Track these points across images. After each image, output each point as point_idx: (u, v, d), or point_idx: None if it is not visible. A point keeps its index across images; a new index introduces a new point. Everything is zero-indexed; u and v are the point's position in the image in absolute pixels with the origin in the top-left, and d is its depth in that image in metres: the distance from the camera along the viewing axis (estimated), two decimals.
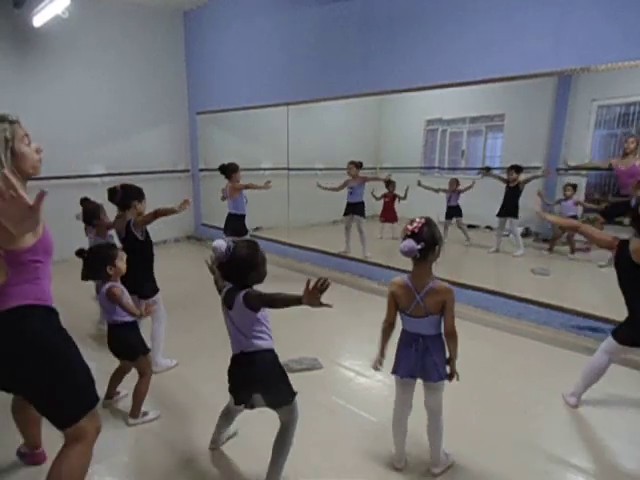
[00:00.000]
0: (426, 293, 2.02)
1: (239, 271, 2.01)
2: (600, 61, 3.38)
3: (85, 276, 2.72)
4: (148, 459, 2.36)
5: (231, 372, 2.11)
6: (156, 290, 3.26)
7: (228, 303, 2.03)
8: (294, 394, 2.07)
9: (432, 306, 2.03)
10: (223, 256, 1.99)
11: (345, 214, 6.02)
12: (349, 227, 5.99)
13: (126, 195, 3.16)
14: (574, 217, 5.51)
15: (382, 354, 2.20)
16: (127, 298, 2.58)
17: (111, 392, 2.82)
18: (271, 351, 2.07)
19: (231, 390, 2.14)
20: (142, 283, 3.12)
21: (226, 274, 2.05)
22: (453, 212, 6.30)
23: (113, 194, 3.16)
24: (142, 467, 2.31)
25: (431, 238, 1.98)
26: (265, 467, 2.07)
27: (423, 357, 2.08)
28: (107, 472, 2.28)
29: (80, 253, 2.52)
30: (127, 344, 2.61)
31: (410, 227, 1.98)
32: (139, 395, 2.63)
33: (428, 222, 2.00)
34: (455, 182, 6.33)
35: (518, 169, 5.68)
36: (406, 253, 1.96)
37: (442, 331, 2.11)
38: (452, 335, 2.06)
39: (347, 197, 5.99)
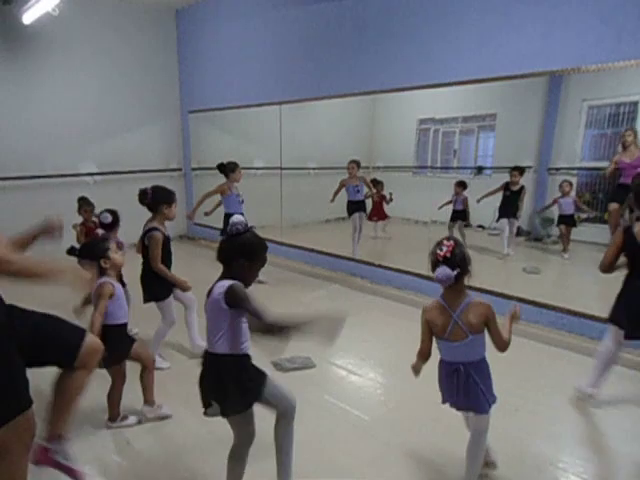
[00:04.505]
0: (462, 310, 1.90)
1: (238, 250, 1.82)
2: (591, 61, 3.41)
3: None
4: (142, 463, 2.35)
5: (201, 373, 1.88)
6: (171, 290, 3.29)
7: (209, 291, 1.85)
8: (247, 406, 1.82)
9: (472, 324, 1.90)
10: (239, 226, 1.83)
11: (351, 213, 5.93)
12: (357, 226, 5.87)
13: (155, 198, 3.13)
14: (572, 216, 5.46)
15: (417, 372, 2.03)
16: (119, 300, 2.46)
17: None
18: (235, 357, 1.80)
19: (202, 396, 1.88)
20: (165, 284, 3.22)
21: (225, 252, 1.85)
22: (458, 216, 6.25)
23: (143, 196, 3.14)
24: (136, 470, 2.30)
25: (464, 260, 1.88)
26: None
27: (466, 388, 1.92)
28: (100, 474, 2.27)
29: (72, 251, 2.45)
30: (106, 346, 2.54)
31: (441, 253, 1.85)
32: (112, 400, 2.58)
33: (457, 243, 1.88)
34: (459, 185, 6.24)
35: (522, 170, 5.60)
36: (443, 281, 1.86)
37: (484, 355, 1.98)
38: (506, 348, 1.95)
39: (351, 196, 5.91)
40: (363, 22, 4.84)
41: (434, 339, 2.00)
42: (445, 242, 1.87)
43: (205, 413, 1.84)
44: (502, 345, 1.95)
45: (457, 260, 1.84)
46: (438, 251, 1.87)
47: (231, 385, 1.77)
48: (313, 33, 5.37)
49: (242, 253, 1.83)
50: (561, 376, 3.11)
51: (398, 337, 3.76)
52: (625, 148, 4.66)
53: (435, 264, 1.88)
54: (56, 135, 6.18)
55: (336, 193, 6.01)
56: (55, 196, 5.83)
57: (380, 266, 5.07)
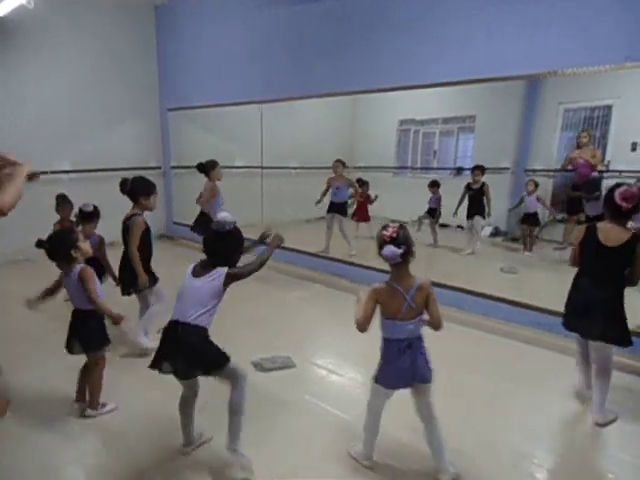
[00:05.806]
0: (415, 292, 2.07)
1: (229, 247, 2.15)
2: (568, 65, 3.48)
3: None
4: (121, 464, 2.30)
5: (165, 339, 2.10)
6: (156, 279, 3.42)
7: (196, 273, 2.11)
8: (227, 359, 2.11)
9: (420, 304, 2.08)
10: (225, 226, 2.08)
11: (328, 212, 6.02)
12: (331, 226, 5.98)
13: (133, 189, 3.23)
14: (535, 214, 5.69)
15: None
16: (97, 284, 2.49)
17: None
18: (206, 330, 2.12)
19: (158, 357, 2.10)
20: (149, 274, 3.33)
21: (213, 247, 2.13)
22: (429, 213, 6.35)
23: (123, 186, 3.24)
24: (116, 472, 2.25)
25: (408, 241, 2.04)
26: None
27: (416, 361, 2.11)
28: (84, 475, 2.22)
29: (40, 244, 2.44)
30: (89, 332, 2.54)
31: (387, 233, 2.01)
32: (94, 387, 2.61)
33: (402, 226, 2.06)
34: (433, 185, 6.34)
35: (483, 169, 5.81)
36: (390, 258, 2.00)
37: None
38: (440, 327, 2.12)
39: (331, 196, 6.00)
40: (345, 22, 4.84)
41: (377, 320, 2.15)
42: (391, 225, 2.05)
43: (160, 370, 2.08)
44: (439, 323, 2.12)
45: (402, 240, 2.01)
46: (384, 232, 2.03)
47: (204, 351, 2.08)
48: (295, 32, 5.36)
49: (239, 248, 2.20)
50: (539, 375, 3.16)
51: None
52: (579, 148, 5.06)
53: (382, 244, 2.03)
54: (30, 131, 6.01)
55: (324, 193, 6.05)
56: (29, 193, 5.67)
57: (361, 266, 5.08)
